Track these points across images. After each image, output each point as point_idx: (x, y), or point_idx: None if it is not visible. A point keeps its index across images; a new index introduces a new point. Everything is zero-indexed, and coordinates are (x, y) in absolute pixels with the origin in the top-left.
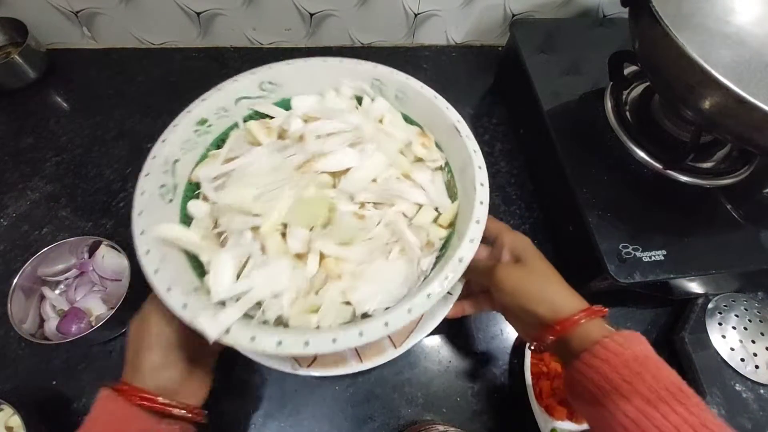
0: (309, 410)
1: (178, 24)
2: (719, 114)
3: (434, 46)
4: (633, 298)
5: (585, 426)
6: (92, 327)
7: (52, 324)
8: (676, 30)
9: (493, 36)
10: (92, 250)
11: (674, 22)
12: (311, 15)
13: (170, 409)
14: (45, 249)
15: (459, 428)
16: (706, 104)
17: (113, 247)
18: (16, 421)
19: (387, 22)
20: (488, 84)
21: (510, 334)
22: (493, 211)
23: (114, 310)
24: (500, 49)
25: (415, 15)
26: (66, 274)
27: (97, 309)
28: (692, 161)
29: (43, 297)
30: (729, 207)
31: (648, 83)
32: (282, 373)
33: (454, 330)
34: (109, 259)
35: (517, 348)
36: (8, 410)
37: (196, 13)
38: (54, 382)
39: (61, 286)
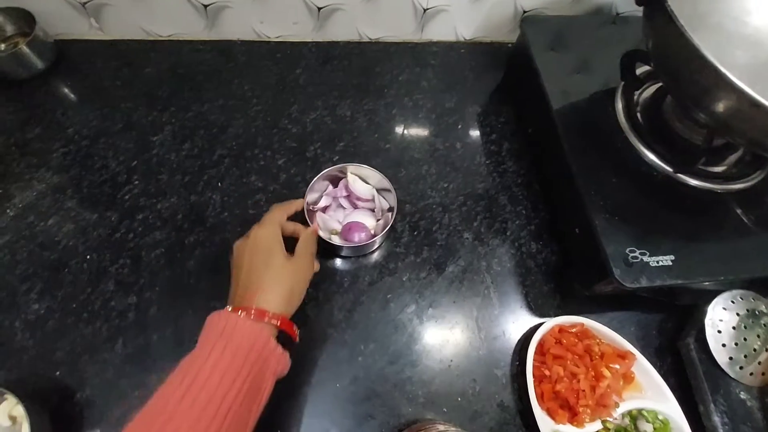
0: (309, 408)
1: (185, 16)
2: (733, 117)
3: (443, 42)
4: (638, 302)
5: (586, 429)
6: (373, 236)
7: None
8: (691, 30)
9: (503, 32)
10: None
11: (690, 21)
12: (319, 9)
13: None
14: (312, 181)
15: (459, 428)
16: (720, 107)
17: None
18: (19, 411)
19: (395, 17)
20: (497, 81)
21: (512, 335)
22: (500, 211)
23: (388, 226)
24: (510, 45)
25: (424, 10)
26: (323, 202)
27: (369, 222)
28: (704, 165)
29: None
30: (740, 212)
31: (660, 84)
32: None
33: (456, 330)
34: (355, 183)
35: (520, 350)
36: (12, 400)
37: (203, 5)
38: (58, 373)
39: (329, 211)
